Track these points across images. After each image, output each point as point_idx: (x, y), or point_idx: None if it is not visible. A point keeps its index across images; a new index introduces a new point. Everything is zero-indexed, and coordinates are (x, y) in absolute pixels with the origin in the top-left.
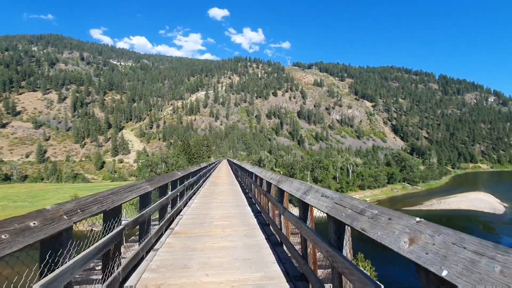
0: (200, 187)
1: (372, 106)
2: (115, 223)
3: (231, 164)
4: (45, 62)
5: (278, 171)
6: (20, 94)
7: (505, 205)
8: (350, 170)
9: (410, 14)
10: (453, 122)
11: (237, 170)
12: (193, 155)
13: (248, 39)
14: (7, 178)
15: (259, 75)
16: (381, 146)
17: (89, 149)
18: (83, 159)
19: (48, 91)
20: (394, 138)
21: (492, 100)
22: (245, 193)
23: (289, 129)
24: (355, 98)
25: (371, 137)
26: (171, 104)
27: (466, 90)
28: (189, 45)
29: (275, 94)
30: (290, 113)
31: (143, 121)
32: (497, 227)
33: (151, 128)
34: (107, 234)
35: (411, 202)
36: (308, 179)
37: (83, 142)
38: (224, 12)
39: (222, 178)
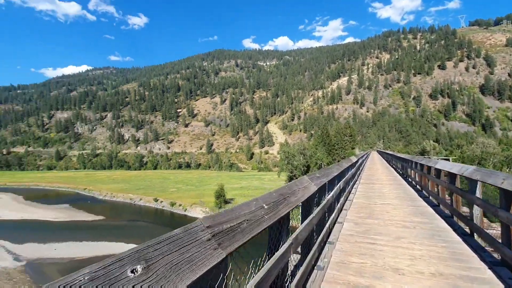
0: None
1: None
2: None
3: (385, 156)
4: (212, 72)
5: None
6: (197, 100)
7: None
8: None
9: None
10: None
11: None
12: (333, 146)
13: (399, 9)
14: (188, 165)
15: (418, 47)
16: None
17: (242, 142)
18: (237, 150)
19: (214, 95)
20: None
21: None
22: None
23: (466, 110)
24: None
25: None
26: (312, 95)
27: None
28: (329, 34)
29: (442, 67)
30: (468, 88)
31: (285, 114)
32: None
33: (292, 120)
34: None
35: None
36: None
37: (237, 136)
38: None
39: (380, 178)
